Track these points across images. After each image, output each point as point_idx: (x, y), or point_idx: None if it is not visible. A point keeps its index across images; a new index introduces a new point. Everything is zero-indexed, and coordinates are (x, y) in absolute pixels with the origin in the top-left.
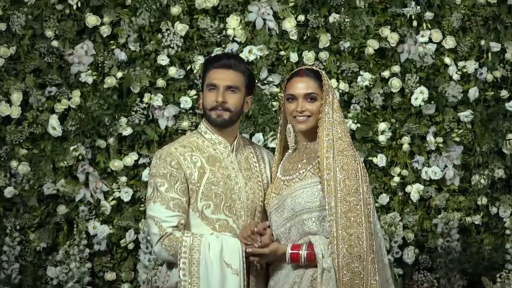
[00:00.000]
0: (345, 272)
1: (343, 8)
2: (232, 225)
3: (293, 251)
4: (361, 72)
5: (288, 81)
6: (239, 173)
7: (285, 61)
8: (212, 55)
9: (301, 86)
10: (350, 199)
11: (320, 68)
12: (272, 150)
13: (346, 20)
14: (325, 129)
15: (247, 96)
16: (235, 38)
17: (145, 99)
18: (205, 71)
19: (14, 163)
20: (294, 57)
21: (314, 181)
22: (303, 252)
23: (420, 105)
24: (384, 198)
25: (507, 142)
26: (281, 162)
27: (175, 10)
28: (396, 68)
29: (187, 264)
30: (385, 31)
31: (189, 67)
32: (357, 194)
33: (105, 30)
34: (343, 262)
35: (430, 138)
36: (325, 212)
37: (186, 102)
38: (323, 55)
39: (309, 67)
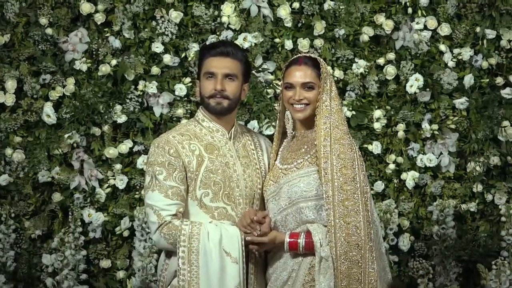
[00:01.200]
0: (343, 260)
1: None
2: (231, 213)
3: (291, 240)
4: (356, 60)
5: (286, 69)
6: (237, 161)
7: (280, 49)
8: (208, 42)
9: (299, 74)
10: (347, 187)
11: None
12: (268, 137)
13: (341, 7)
14: (323, 117)
15: (244, 83)
16: (230, 26)
17: (140, 87)
18: (201, 59)
19: (8, 151)
20: (289, 44)
21: (311, 170)
22: (301, 241)
23: (415, 92)
24: (379, 186)
25: (503, 129)
26: (280, 150)
27: None
28: (391, 55)
29: (186, 253)
30: (380, 18)
31: (183, 54)
32: (354, 183)
33: (100, 18)
34: (341, 250)
35: (425, 125)
36: (322, 201)
37: (180, 89)
38: (318, 42)
39: (308, 54)
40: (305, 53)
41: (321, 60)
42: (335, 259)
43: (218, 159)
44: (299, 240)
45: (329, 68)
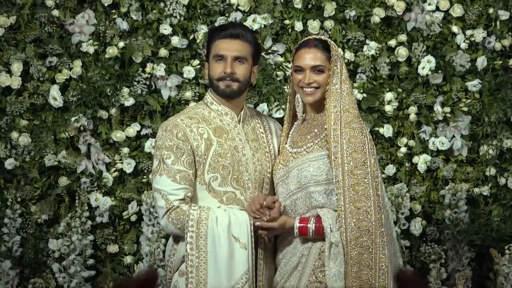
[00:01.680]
0: (353, 246)
1: None
2: (240, 197)
3: (301, 225)
4: (367, 41)
5: (296, 52)
6: (246, 144)
7: (289, 30)
8: (216, 24)
9: (309, 57)
10: (357, 172)
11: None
12: (277, 120)
13: None
14: (333, 100)
15: (254, 66)
16: (239, 7)
17: (148, 69)
18: (210, 41)
19: (14, 134)
20: (299, 26)
21: (321, 154)
22: (312, 225)
23: (427, 75)
24: (390, 169)
25: None
26: (290, 133)
27: None
28: (403, 37)
29: (194, 238)
30: None
31: (192, 36)
32: (364, 167)
33: None
34: (351, 236)
35: (437, 108)
36: (333, 186)
37: (189, 72)
38: (329, 24)
39: (318, 37)
40: (315, 35)
41: (332, 42)
42: (345, 245)
43: (227, 143)
44: (309, 225)
45: (340, 50)
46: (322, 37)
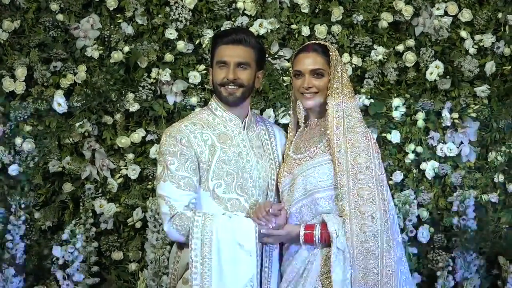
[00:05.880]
0: (359, 251)
1: None
2: (244, 204)
3: (307, 232)
4: (374, 46)
5: (295, 57)
6: (251, 151)
7: (296, 35)
8: (222, 29)
9: (308, 61)
10: (361, 176)
11: (331, 43)
12: (284, 126)
13: None
14: (334, 105)
15: (258, 71)
16: (245, 11)
17: (153, 74)
18: (213, 47)
19: (18, 140)
20: (305, 30)
21: (325, 159)
22: (317, 232)
23: (435, 80)
24: (398, 176)
25: None
26: (293, 140)
27: None
28: (411, 42)
29: (199, 245)
30: (400, 4)
31: (198, 41)
32: (369, 172)
33: (112, 3)
34: (357, 241)
35: (445, 113)
36: (338, 191)
37: (194, 77)
38: (336, 28)
39: (317, 41)
40: (321, 40)
41: (331, 46)
42: (351, 250)
43: (231, 149)
44: (314, 232)
45: (346, 54)
46: (322, 41)
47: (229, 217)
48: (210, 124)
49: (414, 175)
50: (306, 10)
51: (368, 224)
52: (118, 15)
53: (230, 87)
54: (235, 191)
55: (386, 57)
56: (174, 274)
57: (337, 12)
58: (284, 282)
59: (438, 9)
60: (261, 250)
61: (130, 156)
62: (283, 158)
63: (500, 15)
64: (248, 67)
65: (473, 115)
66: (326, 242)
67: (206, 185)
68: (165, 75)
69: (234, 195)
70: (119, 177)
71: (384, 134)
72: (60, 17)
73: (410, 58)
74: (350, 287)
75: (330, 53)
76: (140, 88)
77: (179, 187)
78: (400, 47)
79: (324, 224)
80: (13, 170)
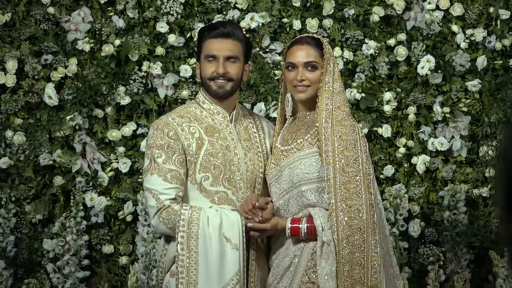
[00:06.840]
0: (345, 245)
1: None
2: (232, 197)
3: (293, 225)
4: (366, 40)
5: (288, 49)
6: (238, 144)
7: (287, 29)
8: (212, 23)
9: (301, 54)
10: (348, 169)
11: (323, 36)
12: (275, 119)
13: None
14: (325, 98)
15: (245, 64)
16: (237, 5)
17: (144, 68)
18: (201, 40)
19: (9, 133)
20: (297, 24)
21: (312, 151)
22: (303, 226)
23: (426, 74)
24: (389, 170)
25: None
26: (281, 132)
27: None
28: (402, 36)
29: (185, 238)
30: None
31: (189, 34)
32: (356, 165)
33: None
34: (343, 234)
35: (436, 108)
36: (324, 184)
37: (186, 70)
38: (327, 22)
39: (311, 35)
40: (313, 33)
41: (324, 40)
42: (337, 244)
43: (218, 142)
44: (300, 226)
45: (337, 48)
46: (315, 35)
47: (216, 211)
48: (197, 117)
49: (405, 170)
50: (297, 4)
51: (354, 217)
52: (109, 8)
53: (219, 81)
54: (222, 184)
55: (377, 51)
56: (162, 267)
57: (328, 6)
58: (271, 276)
59: (429, 3)
60: (247, 244)
61: (121, 149)
62: (271, 151)
63: (491, 9)
64: (237, 61)
65: (465, 109)
66: (313, 235)
67: (194, 178)
68: (156, 68)
69: (222, 188)
70: (110, 171)
71: (375, 128)
72: (51, 10)
73: (401, 52)
74: (336, 280)
75: (324, 47)
76: (131, 82)
77: (166, 180)
78: (391, 41)
79: (310, 218)
80: (3, 163)
